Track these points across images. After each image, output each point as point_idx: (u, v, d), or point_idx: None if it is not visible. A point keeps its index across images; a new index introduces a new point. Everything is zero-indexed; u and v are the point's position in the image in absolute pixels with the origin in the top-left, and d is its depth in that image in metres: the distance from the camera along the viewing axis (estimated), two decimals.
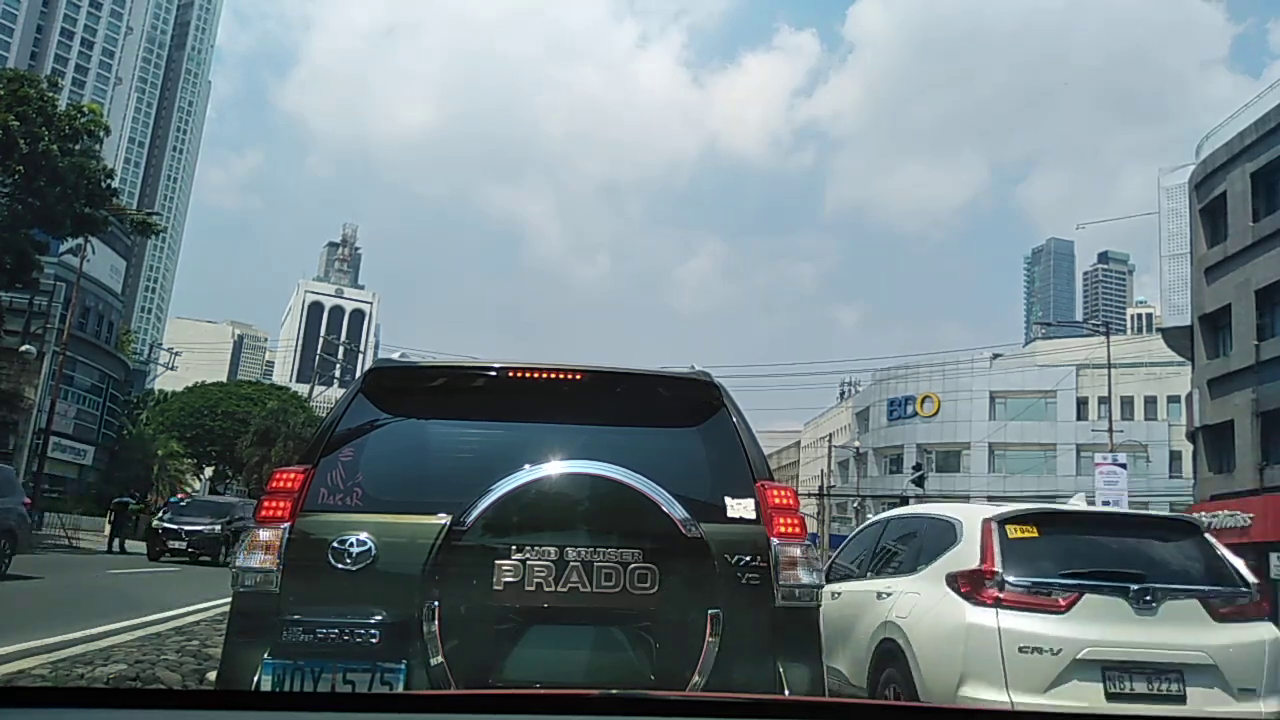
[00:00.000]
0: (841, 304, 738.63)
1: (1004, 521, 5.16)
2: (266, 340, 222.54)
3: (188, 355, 68.40)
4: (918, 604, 5.28)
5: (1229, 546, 5.34)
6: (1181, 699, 4.61)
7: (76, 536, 29.20)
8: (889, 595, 5.58)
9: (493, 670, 2.94)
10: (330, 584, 3.00)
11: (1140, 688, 4.62)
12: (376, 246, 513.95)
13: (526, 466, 3.11)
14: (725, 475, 3.32)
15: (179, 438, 56.84)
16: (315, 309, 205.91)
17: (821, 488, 65.94)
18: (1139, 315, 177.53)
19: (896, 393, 65.36)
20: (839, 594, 6.11)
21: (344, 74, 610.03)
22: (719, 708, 1.93)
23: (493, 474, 3.09)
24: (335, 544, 3.02)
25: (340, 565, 3.00)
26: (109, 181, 28.39)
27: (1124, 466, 28.98)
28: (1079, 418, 56.57)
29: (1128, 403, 54.73)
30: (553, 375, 3.48)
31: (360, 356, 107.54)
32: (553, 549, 3.00)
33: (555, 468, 3.12)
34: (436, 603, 2.90)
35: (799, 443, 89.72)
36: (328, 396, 62.16)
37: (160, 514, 24.84)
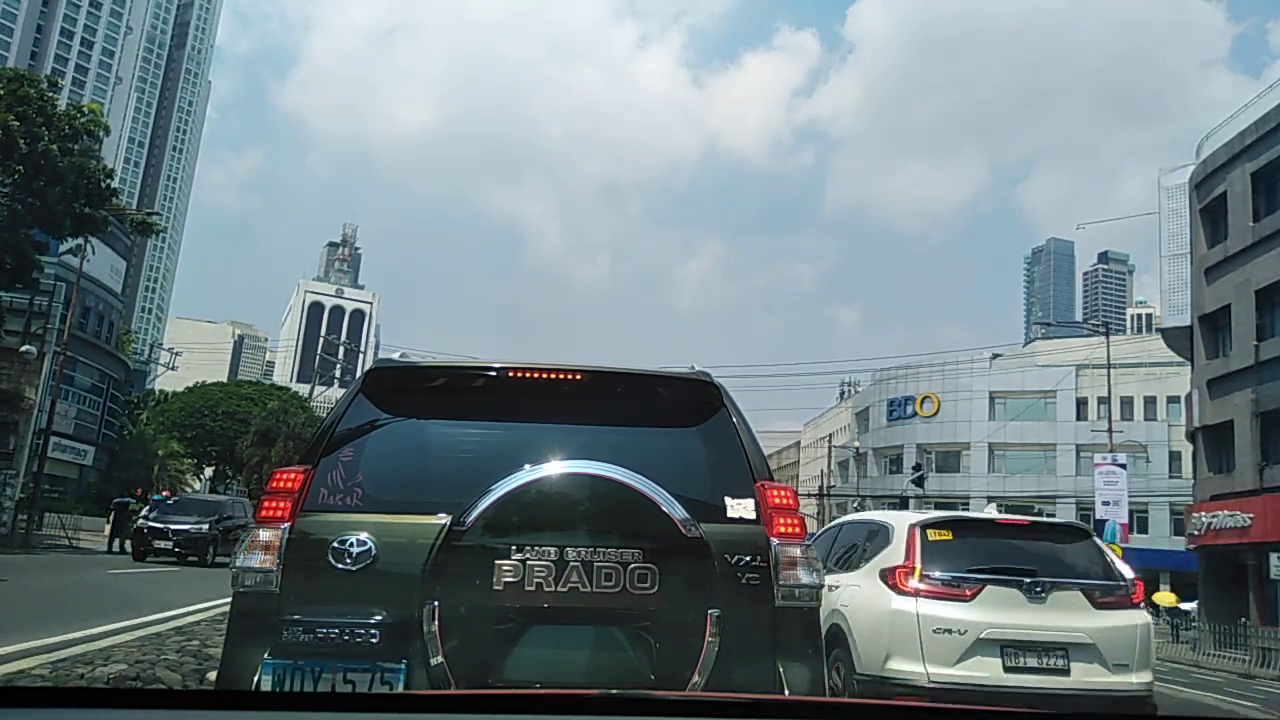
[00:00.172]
0: (841, 304, 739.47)
1: (925, 527, 6.23)
2: (266, 340, 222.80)
3: (188, 355, 68.41)
4: (857, 595, 6.32)
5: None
6: (1066, 672, 5.67)
7: (76, 536, 29.19)
8: (837, 588, 6.44)
9: (493, 670, 2.94)
10: (330, 584, 3.00)
11: (1032, 662, 5.69)
12: (376, 246, 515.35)
13: (526, 466, 3.11)
14: (725, 475, 3.32)
15: (179, 438, 56.85)
16: (315, 309, 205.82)
17: (821, 488, 65.94)
18: (1139, 315, 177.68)
19: (896, 393, 65.35)
20: None
21: (344, 74, 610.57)
22: (719, 708, 1.93)
23: (492, 474, 3.09)
24: (335, 544, 3.02)
25: (340, 565, 3.00)
26: (109, 181, 28.35)
27: (1124, 466, 28.96)
28: (1079, 418, 56.57)
29: (1128, 403, 54.73)
30: (553, 375, 3.48)
31: (360, 356, 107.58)
32: (553, 549, 3.00)
33: (555, 468, 3.12)
34: (436, 603, 2.90)
35: (799, 443, 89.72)
36: (328, 396, 62.19)
37: (145, 512, 23.88)
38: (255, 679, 2.83)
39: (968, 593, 5.83)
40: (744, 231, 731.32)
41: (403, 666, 2.86)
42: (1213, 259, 29.35)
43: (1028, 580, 5.87)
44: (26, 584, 14.11)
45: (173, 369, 58.37)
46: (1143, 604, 6.35)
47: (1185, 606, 34.82)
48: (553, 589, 2.96)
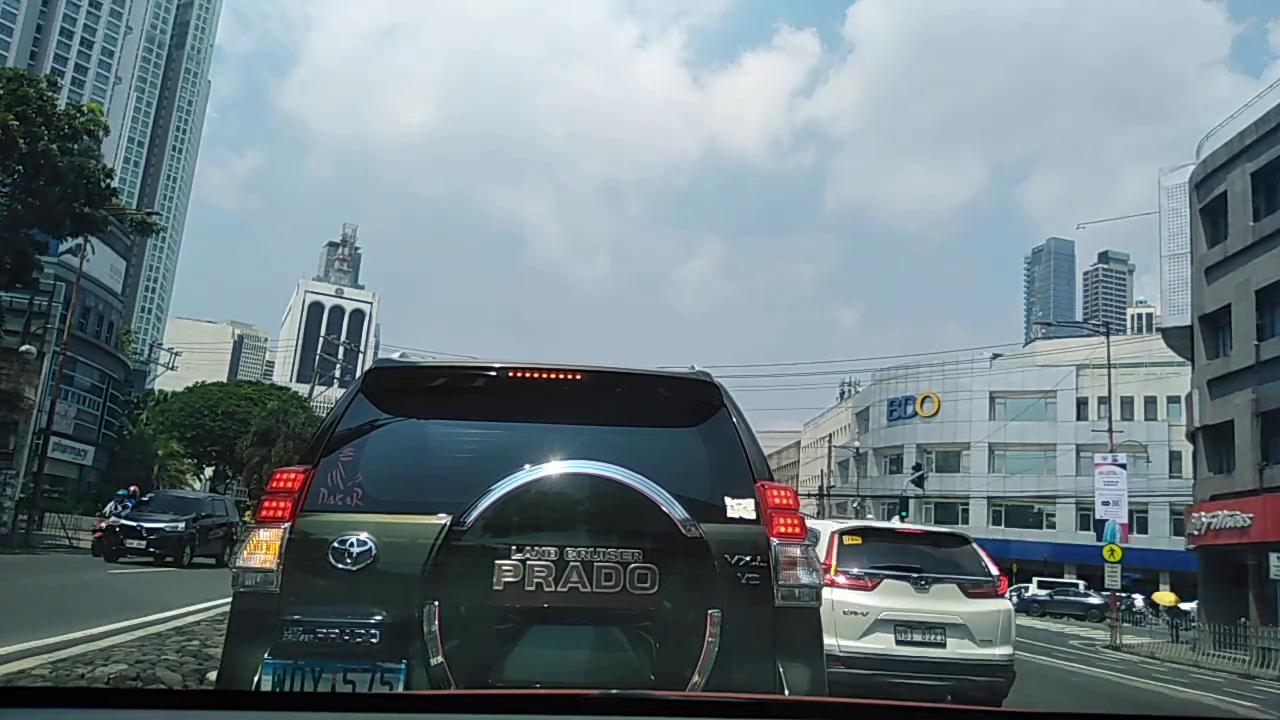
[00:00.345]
0: (841, 304, 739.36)
1: (841, 533, 7.88)
2: (266, 340, 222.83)
3: (188, 355, 68.38)
4: None
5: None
6: (943, 645, 7.27)
7: (76, 536, 29.16)
8: None
9: (493, 670, 2.94)
10: (330, 584, 3.00)
11: (917, 638, 7.27)
12: (376, 246, 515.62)
13: (526, 466, 3.11)
14: (725, 475, 3.32)
15: (179, 438, 56.83)
16: (315, 309, 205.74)
17: (821, 488, 65.97)
18: (1139, 315, 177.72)
19: (896, 393, 65.36)
20: None
21: (344, 74, 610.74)
22: (719, 708, 1.93)
23: (493, 474, 3.09)
24: (335, 544, 3.02)
25: (340, 565, 3.00)
26: (109, 181, 28.32)
27: (1124, 466, 28.90)
28: (1079, 418, 56.59)
29: (1128, 403, 54.74)
30: (553, 375, 3.47)
31: (360, 356, 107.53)
32: (553, 549, 2.99)
33: (555, 468, 3.12)
34: (436, 603, 2.90)
35: (799, 443, 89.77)
36: (328, 396, 62.14)
37: (114, 509, 22.42)
38: (255, 679, 2.83)
39: (869, 584, 7.44)
40: (744, 231, 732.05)
41: (403, 666, 2.85)
42: (1213, 259, 29.35)
43: (915, 575, 7.50)
44: (26, 584, 14.12)
45: (172, 369, 58.34)
46: (1006, 595, 8.09)
47: (1185, 606, 34.82)
48: (553, 589, 2.95)
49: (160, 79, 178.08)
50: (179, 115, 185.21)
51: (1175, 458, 51.32)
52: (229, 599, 3.31)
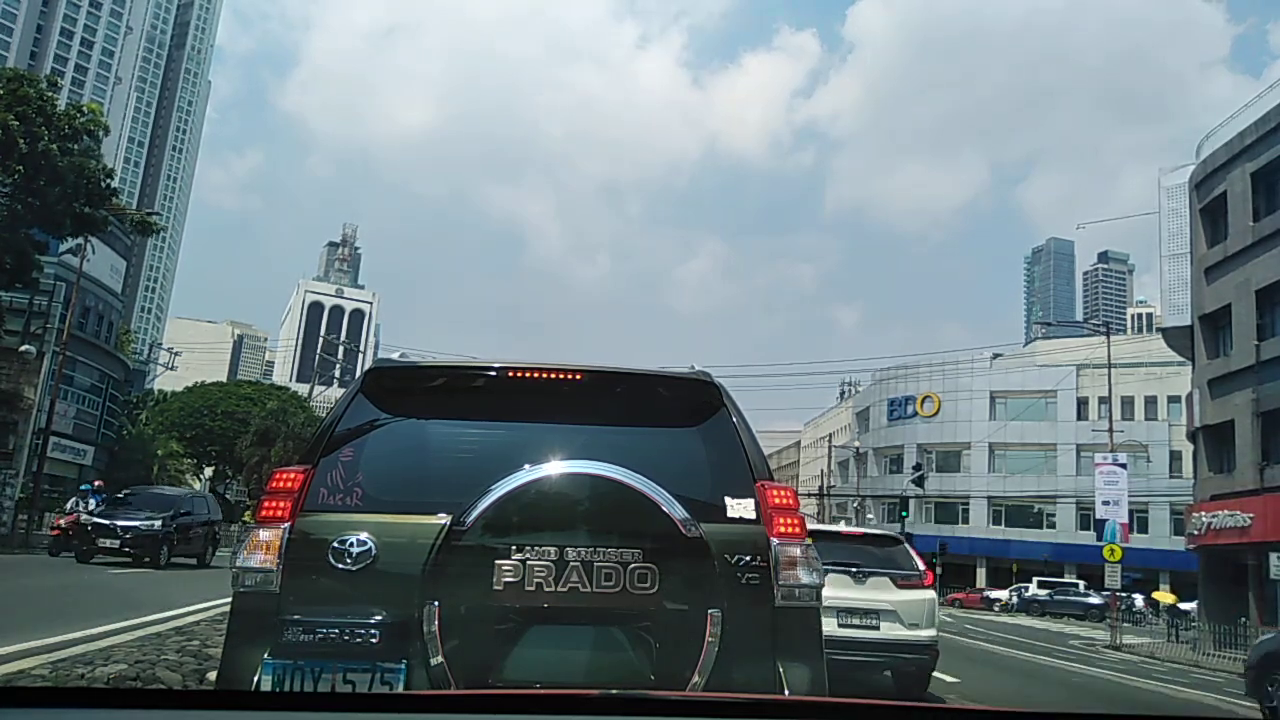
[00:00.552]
0: (841, 304, 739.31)
1: None
2: (266, 340, 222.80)
3: (188, 355, 68.38)
4: None
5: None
6: (877, 628, 8.42)
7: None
8: None
9: (493, 670, 2.94)
10: (330, 584, 3.00)
11: (856, 621, 8.40)
12: (376, 246, 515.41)
13: (526, 466, 3.10)
14: (725, 475, 3.32)
15: (179, 438, 56.88)
16: (315, 309, 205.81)
17: (821, 488, 65.99)
18: (1139, 315, 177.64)
19: (896, 393, 65.36)
20: None
21: (344, 74, 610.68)
22: (719, 708, 1.93)
23: (492, 474, 3.08)
24: (335, 544, 3.02)
25: (340, 565, 3.00)
26: (109, 181, 28.34)
27: (1124, 466, 28.86)
28: (1079, 418, 56.58)
29: (1128, 403, 54.74)
30: (553, 375, 3.47)
31: (360, 356, 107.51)
32: (553, 549, 2.99)
33: (555, 468, 3.12)
34: (436, 603, 2.90)
35: (799, 443, 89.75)
36: (328, 396, 62.16)
37: (81, 505, 21.27)
38: (255, 679, 2.83)
39: None
40: (744, 231, 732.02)
41: (403, 666, 2.85)
42: (1213, 259, 29.35)
43: (854, 569, 8.60)
44: (26, 584, 14.11)
45: (172, 369, 58.35)
46: (931, 586, 9.19)
47: (1185, 606, 34.84)
48: (553, 589, 2.95)
49: (160, 79, 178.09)
50: (179, 115, 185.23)
51: (1175, 457, 51.32)
52: (229, 599, 3.31)
